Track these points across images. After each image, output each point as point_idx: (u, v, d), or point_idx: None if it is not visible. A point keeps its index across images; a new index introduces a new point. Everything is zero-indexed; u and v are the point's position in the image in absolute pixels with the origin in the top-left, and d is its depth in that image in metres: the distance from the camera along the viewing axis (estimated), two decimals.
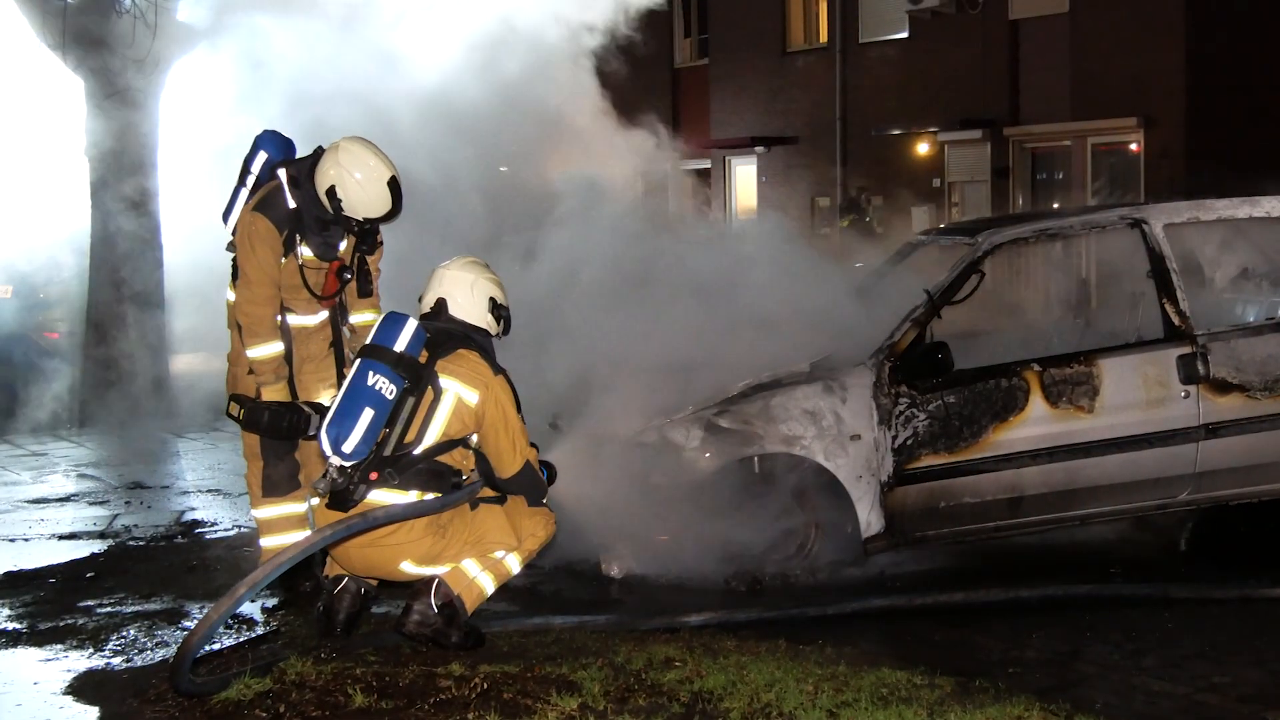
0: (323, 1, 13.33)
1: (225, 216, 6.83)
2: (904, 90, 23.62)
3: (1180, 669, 5.87)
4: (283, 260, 6.45)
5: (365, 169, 6.38)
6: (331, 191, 6.37)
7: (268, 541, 6.74)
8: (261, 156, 6.72)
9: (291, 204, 6.43)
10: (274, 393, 6.49)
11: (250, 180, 6.73)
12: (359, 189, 6.37)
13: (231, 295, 6.69)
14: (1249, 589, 6.83)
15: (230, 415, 6.59)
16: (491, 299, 5.94)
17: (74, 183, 14.92)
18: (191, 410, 13.60)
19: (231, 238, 6.70)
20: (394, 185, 6.43)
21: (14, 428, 13.03)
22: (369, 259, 6.68)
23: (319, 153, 6.52)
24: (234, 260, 6.65)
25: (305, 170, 6.47)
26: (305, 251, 6.47)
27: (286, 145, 6.78)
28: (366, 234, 6.55)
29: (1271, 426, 7.61)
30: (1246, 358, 7.62)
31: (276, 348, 6.50)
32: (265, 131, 6.82)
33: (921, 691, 5.27)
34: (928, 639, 6.34)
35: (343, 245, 6.56)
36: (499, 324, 5.96)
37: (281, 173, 6.49)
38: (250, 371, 6.55)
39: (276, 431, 6.46)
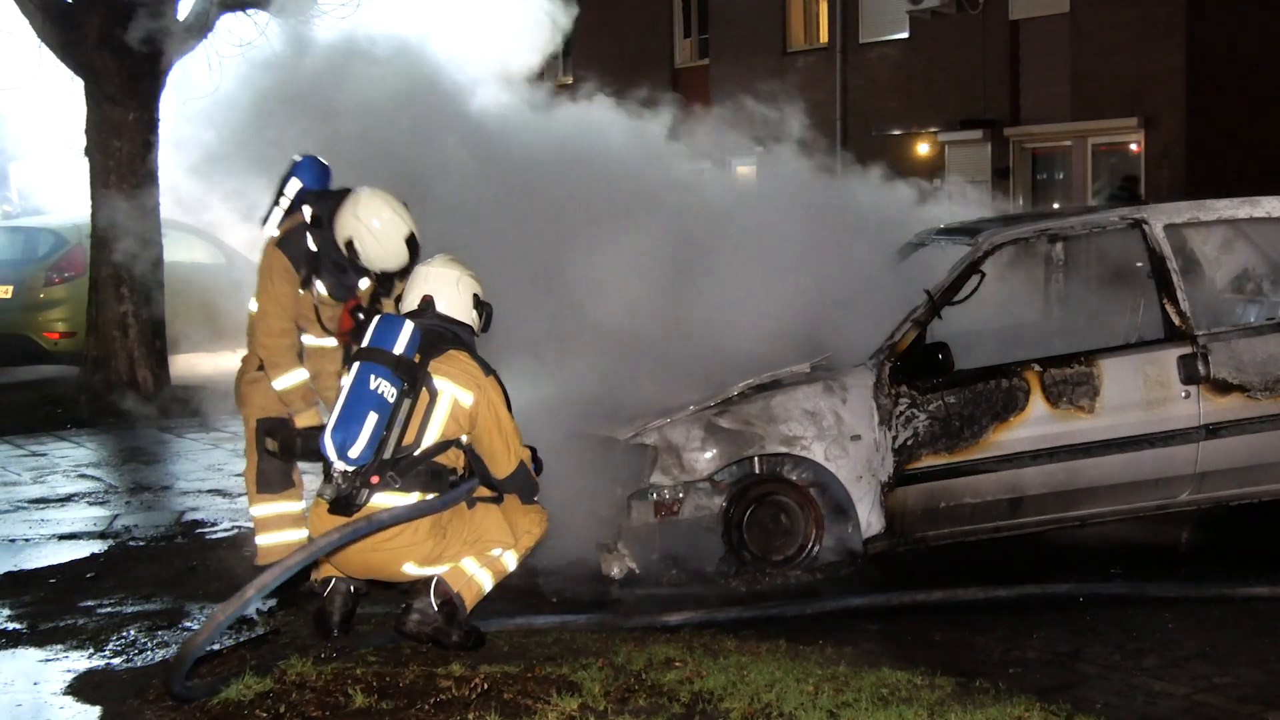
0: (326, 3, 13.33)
1: (264, 223, 6.86)
2: (904, 90, 23.63)
3: (1181, 669, 5.86)
4: (300, 292, 6.53)
5: (384, 224, 6.40)
6: (350, 243, 6.42)
7: (264, 539, 6.76)
8: (295, 184, 6.71)
9: (312, 246, 6.47)
10: (307, 419, 6.56)
11: (283, 202, 6.73)
12: (376, 244, 6.40)
13: (255, 307, 6.76)
14: (1228, 587, 6.81)
15: (269, 451, 6.62)
16: (475, 295, 5.99)
17: (75, 182, 14.91)
18: (192, 410, 13.61)
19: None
20: (411, 242, 6.46)
21: (14, 427, 13.02)
22: (384, 300, 6.70)
23: (345, 194, 6.54)
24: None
25: (328, 212, 6.49)
26: (321, 290, 6.54)
27: (322, 174, 6.77)
28: (384, 279, 6.59)
29: (1272, 427, 7.62)
30: (1247, 358, 7.63)
31: (301, 375, 6.58)
32: (304, 158, 6.80)
33: (922, 691, 5.27)
34: (928, 639, 6.34)
35: (363, 284, 6.59)
36: (481, 319, 6.00)
37: (306, 211, 6.52)
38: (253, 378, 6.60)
39: (312, 456, 6.49)
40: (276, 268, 6.51)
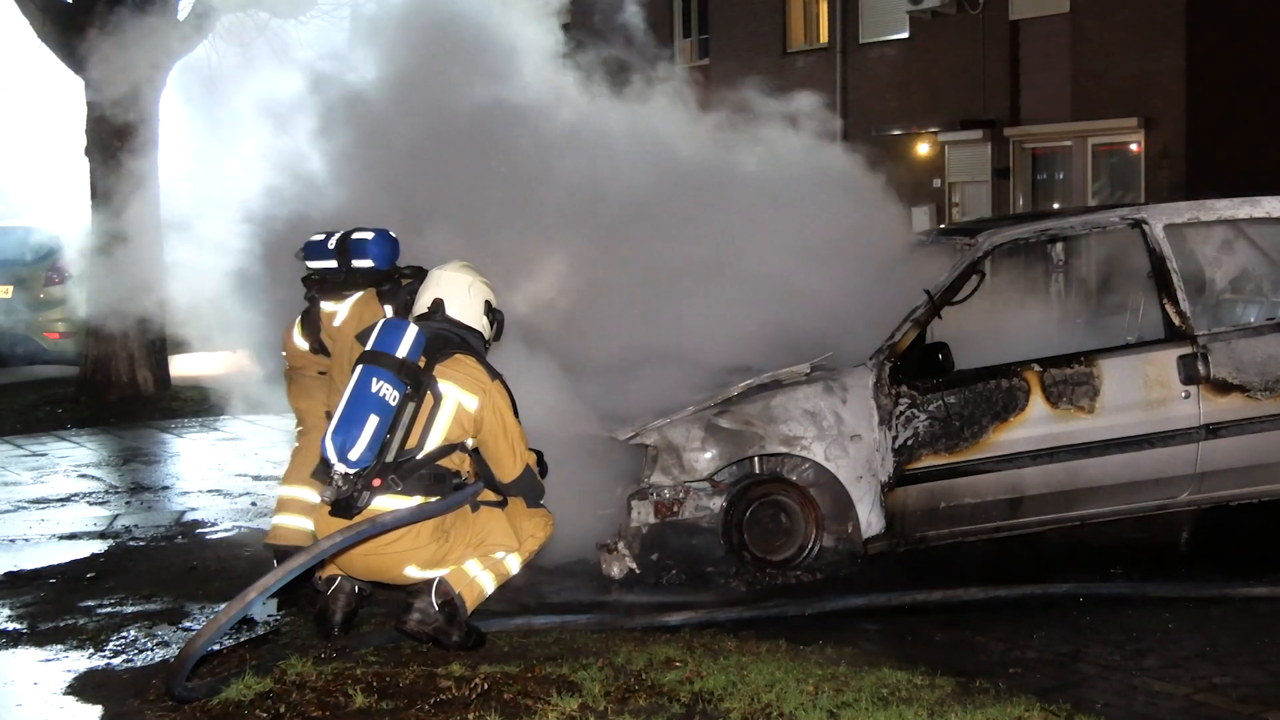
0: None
1: (307, 256, 6.89)
2: (904, 90, 23.62)
3: (1181, 669, 5.87)
4: None
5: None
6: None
7: (281, 519, 6.87)
8: (366, 264, 6.73)
9: None
10: None
11: (347, 271, 6.77)
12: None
13: (298, 338, 6.87)
14: (1228, 587, 6.81)
15: None
16: (487, 301, 5.99)
17: (75, 182, 14.93)
18: (191, 410, 13.62)
19: (307, 270, 6.85)
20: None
21: (14, 428, 13.03)
22: None
23: (417, 276, 6.57)
24: (306, 310, 6.84)
25: (402, 306, 6.53)
26: None
27: (392, 251, 6.80)
28: None
29: (1272, 427, 7.62)
30: (1247, 358, 7.63)
31: None
32: (375, 235, 6.78)
33: (922, 692, 5.27)
34: (928, 639, 6.34)
35: None
36: (493, 327, 6.00)
37: (388, 310, 6.59)
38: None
39: None
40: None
